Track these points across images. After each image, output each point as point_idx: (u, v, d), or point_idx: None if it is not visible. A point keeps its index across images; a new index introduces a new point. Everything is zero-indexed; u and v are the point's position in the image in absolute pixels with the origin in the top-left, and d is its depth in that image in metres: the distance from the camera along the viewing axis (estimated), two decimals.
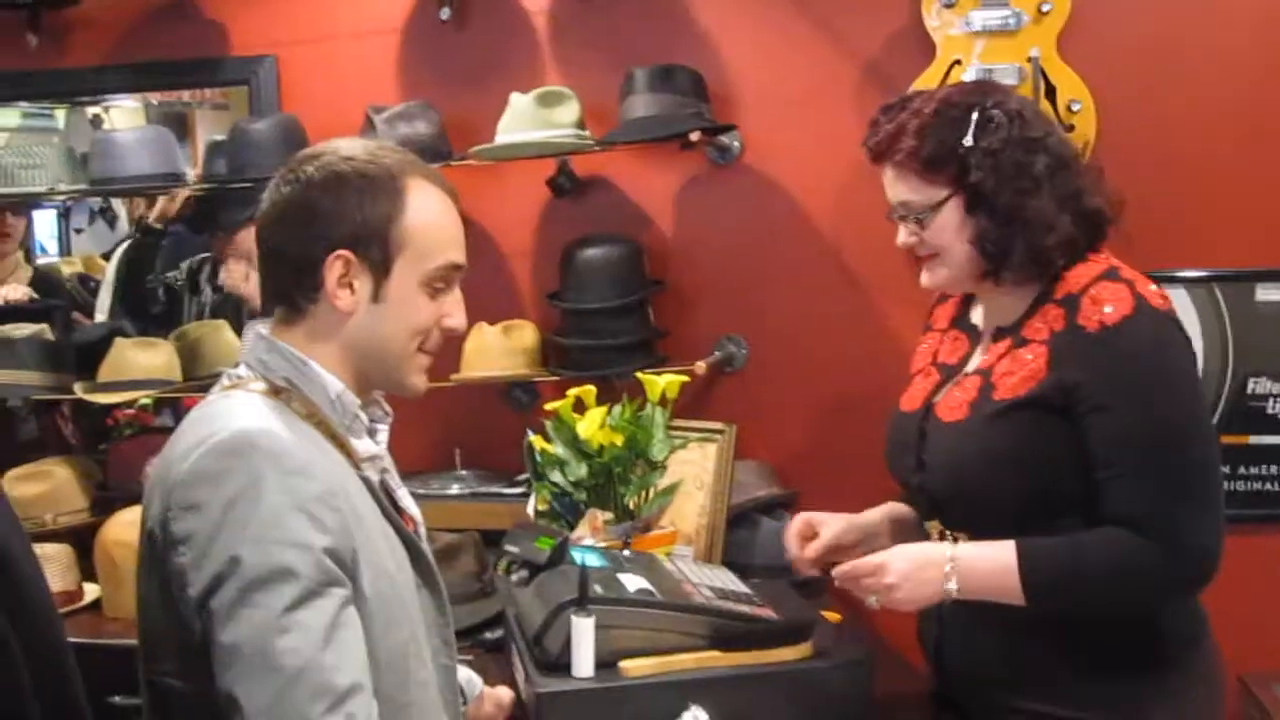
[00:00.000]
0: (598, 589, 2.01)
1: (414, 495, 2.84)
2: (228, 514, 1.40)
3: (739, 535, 2.76)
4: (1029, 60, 2.77)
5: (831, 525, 2.15)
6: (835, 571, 1.95)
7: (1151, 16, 2.86)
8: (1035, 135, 1.89)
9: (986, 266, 1.91)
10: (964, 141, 1.87)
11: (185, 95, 3.48)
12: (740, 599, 2.12)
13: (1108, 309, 1.81)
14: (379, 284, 1.58)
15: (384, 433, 1.71)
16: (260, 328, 1.63)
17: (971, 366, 2.00)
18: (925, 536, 2.13)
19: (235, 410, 1.50)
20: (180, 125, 3.47)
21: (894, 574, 1.87)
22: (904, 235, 1.97)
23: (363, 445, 1.64)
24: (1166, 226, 2.87)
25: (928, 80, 2.81)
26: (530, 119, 2.79)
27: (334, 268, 1.56)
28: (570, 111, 2.82)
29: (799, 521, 2.17)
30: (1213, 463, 1.83)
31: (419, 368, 1.65)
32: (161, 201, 3.45)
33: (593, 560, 2.24)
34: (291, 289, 1.58)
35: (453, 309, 1.64)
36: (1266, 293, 2.86)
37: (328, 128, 2.97)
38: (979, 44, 2.79)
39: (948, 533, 1.98)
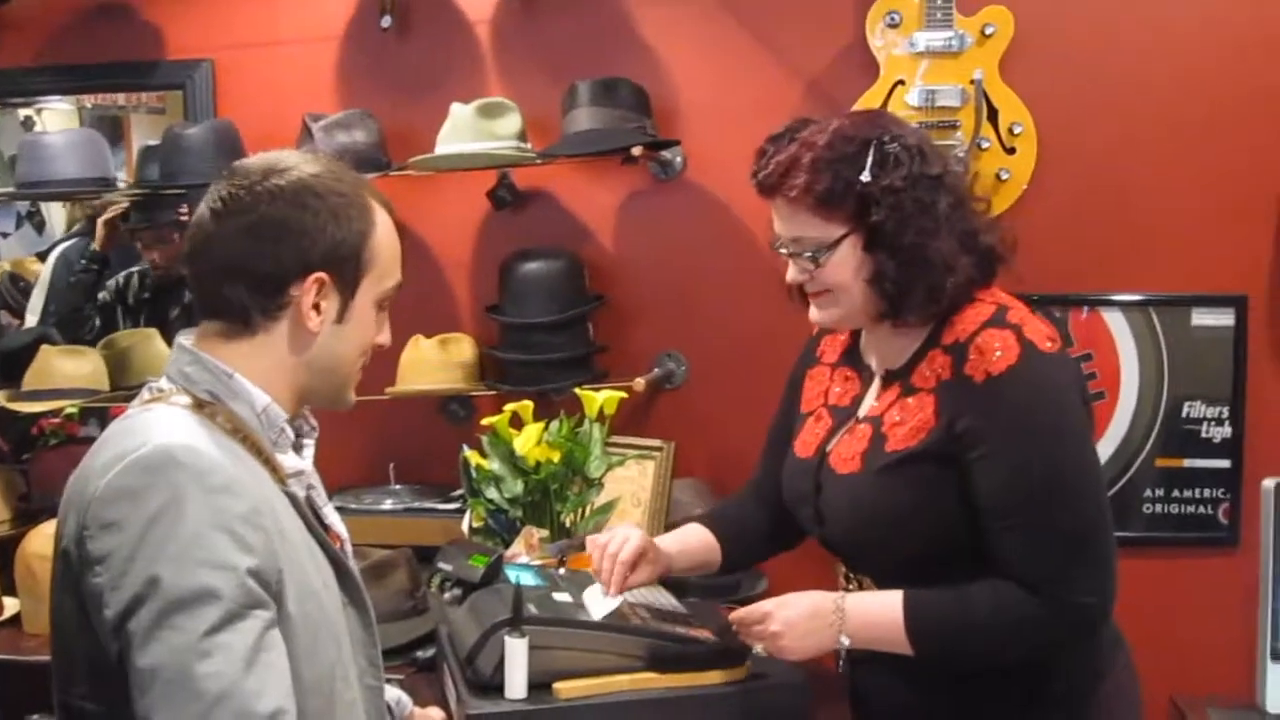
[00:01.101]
0: (532, 608, 1.97)
1: (346, 510, 2.83)
2: (147, 533, 1.35)
3: None
4: (972, 82, 2.77)
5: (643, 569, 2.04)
6: (730, 617, 1.92)
7: (1094, 42, 2.87)
8: (935, 172, 1.81)
9: (884, 307, 1.82)
10: (861, 178, 1.77)
11: (120, 99, 3.40)
12: (677, 619, 2.10)
13: (994, 356, 1.75)
14: (345, 305, 1.56)
15: (310, 447, 1.68)
16: (184, 339, 1.58)
17: (863, 411, 1.94)
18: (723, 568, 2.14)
19: (157, 424, 1.45)
20: (115, 129, 3.39)
21: (778, 622, 1.83)
22: (794, 273, 1.87)
23: (288, 460, 1.60)
24: (1104, 250, 2.90)
25: (871, 99, 2.82)
26: (471, 130, 2.75)
27: (310, 290, 1.52)
28: (511, 123, 2.79)
29: (636, 546, 2.01)
30: (1099, 515, 1.76)
31: (356, 383, 1.66)
32: (99, 231, 3.36)
33: (527, 579, 2.21)
34: (249, 305, 1.53)
35: (385, 326, 1.66)
36: (1202, 318, 2.88)
37: (264, 135, 2.94)
38: (922, 65, 2.80)
39: (851, 575, 1.96)
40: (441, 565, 2.24)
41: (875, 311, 1.84)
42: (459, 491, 2.84)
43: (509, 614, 1.92)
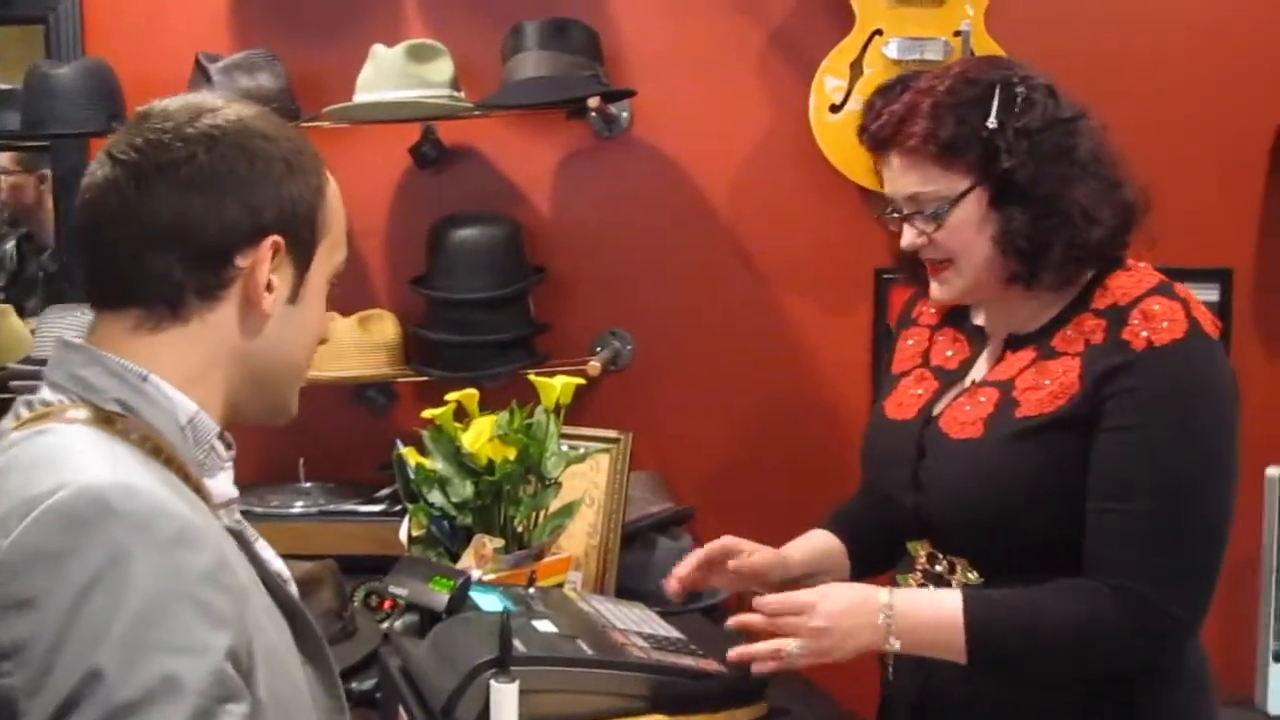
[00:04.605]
0: (518, 644, 1.65)
1: (251, 514, 2.44)
2: (79, 610, 0.98)
3: (632, 557, 2.44)
4: (956, 34, 2.52)
5: (761, 555, 1.85)
6: (759, 602, 1.65)
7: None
8: (1071, 115, 1.66)
9: (1018, 268, 1.64)
10: (988, 123, 1.61)
11: None
12: (679, 649, 1.81)
13: (1161, 326, 1.58)
14: (299, 280, 1.25)
15: (231, 468, 1.32)
16: (68, 334, 1.21)
17: (979, 375, 1.74)
18: (854, 572, 1.90)
19: (67, 455, 1.08)
20: None
21: (822, 616, 1.60)
22: (911, 236, 1.69)
23: (219, 485, 1.25)
24: None
25: (845, 51, 2.56)
26: (398, 75, 2.39)
27: (265, 257, 1.19)
28: (444, 68, 2.44)
29: (719, 545, 1.84)
30: (1219, 528, 1.60)
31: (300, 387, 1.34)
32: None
33: (496, 602, 1.89)
34: (183, 282, 1.18)
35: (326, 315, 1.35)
36: (1195, 293, 2.69)
37: (143, 78, 2.55)
38: (902, 13, 2.53)
39: (939, 557, 1.73)
40: (395, 590, 1.89)
41: (1005, 275, 1.65)
42: (385, 491, 2.49)
43: (489, 651, 1.60)
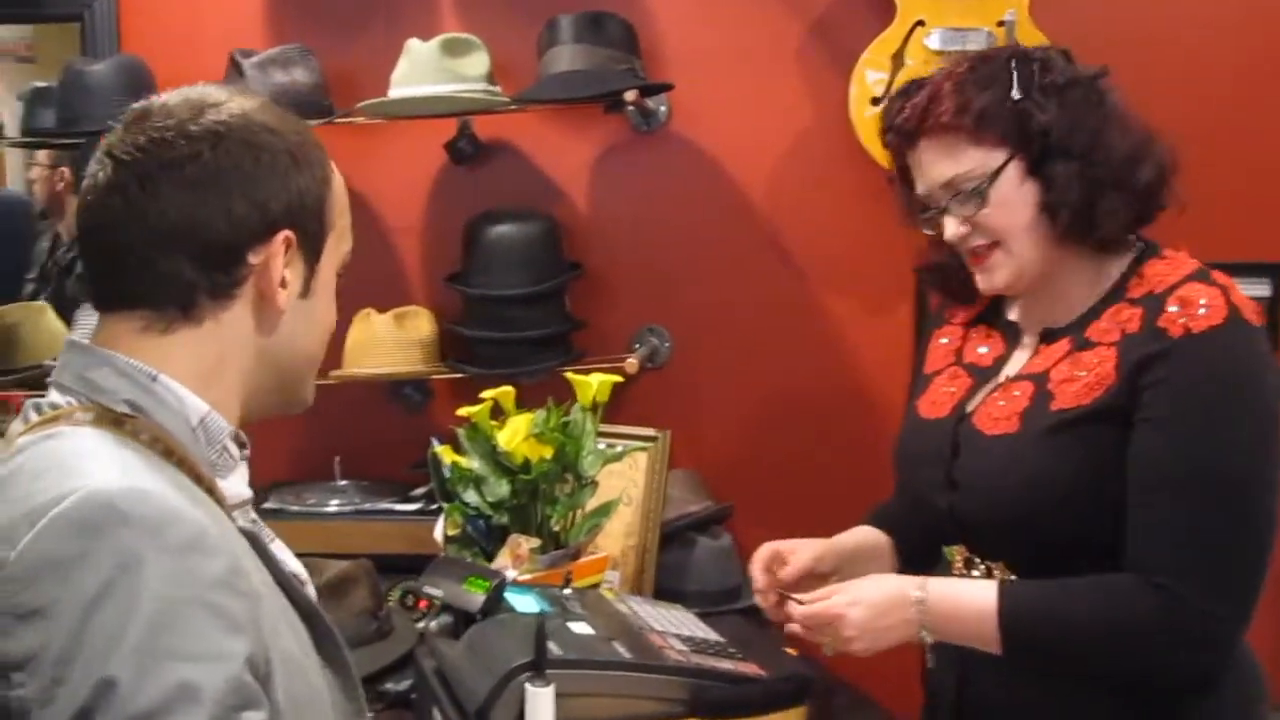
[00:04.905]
0: (554, 647, 1.63)
1: (286, 512, 2.43)
2: (90, 619, 0.96)
3: (670, 557, 2.41)
4: (1000, 24, 2.47)
5: (804, 551, 1.83)
6: (795, 613, 1.65)
7: None
8: (1093, 74, 1.65)
9: (1070, 226, 1.59)
10: (1012, 94, 1.59)
11: None
12: (718, 651, 1.78)
13: (1199, 313, 1.52)
14: (310, 273, 1.23)
15: (245, 467, 1.29)
16: (74, 335, 1.19)
17: (1014, 369, 1.70)
18: (901, 568, 1.84)
19: (76, 459, 1.05)
20: None
21: (852, 627, 1.59)
22: (954, 226, 1.64)
23: (232, 486, 1.22)
24: None
25: (886, 43, 2.51)
26: (434, 70, 2.37)
27: (278, 253, 1.17)
28: (479, 62, 2.42)
29: (766, 552, 1.83)
30: (1263, 523, 1.52)
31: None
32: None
33: (531, 604, 1.86)
34: (196, 283, 1.16)
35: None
36: (1246, 288, 2.63)
37: (177, 74, 2.46)
38: (944, 4, 2.48)
39: (976, 561, 1.69)
40: (430, 591, 1.87)
41: (1055, 241, 1.61)
42: (420, 490, 2.46)
43: (524, 654, 1.57)
